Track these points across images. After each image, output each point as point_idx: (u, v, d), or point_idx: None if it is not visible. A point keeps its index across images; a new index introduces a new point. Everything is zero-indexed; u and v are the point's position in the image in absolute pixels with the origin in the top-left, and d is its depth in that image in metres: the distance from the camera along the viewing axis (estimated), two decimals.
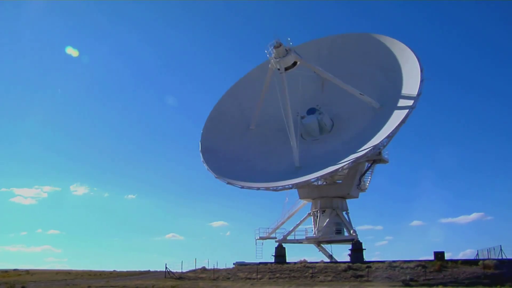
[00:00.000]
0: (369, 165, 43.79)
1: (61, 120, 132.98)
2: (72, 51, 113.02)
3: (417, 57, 39.03)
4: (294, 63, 40.79)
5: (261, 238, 45.72)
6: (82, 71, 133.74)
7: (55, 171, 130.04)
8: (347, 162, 36.74)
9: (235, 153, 44.89)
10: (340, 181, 44.63)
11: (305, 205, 47.56)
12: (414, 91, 37.09)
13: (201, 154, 44.73)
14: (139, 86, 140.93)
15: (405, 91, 38.35)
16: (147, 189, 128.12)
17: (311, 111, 44.65)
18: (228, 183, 40.66)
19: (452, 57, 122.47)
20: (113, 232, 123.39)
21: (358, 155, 36.48)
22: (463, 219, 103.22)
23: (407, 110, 36.44)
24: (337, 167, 36.82)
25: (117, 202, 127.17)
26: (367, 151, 36.36)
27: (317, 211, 43.94)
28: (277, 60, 40.06)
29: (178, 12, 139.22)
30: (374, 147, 36.73)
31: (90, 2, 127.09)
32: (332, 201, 43.53)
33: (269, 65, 41.14)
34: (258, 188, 39.99)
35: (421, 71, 37.66)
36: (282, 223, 46.67)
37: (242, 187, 40.27)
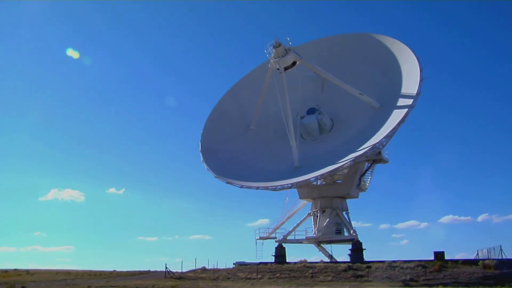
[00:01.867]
0: (369, 165, 43.77)
1: (61, 120, 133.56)
2: (72, 53, 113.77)
3: (416, 57, 38.96)
4: (294, 63, 40.83)
5: (261, 238, 45.71)
6: (83, 73, 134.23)
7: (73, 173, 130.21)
8: (345, 162, 36.71)
9: (235, 153, 44.92)
10: (340, 181, 44.61)
11: (305, 205, 47.54)
12: (413, 91, 36.99)
13: (201, 154, 44.82)
14: (137, 88, 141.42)
15: (404, 90, 38.25)
16: (152, 189, 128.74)
17: (311, 111, 44.67)
18: (228, 182, 40.65)
19: (452, 55, 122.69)
20: (120, 232, 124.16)
21: (357, 155, 36.45)
22: (463, 218, 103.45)
23: (407, 110, 36.33)
24: (336, 167, 36.76)
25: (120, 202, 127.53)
26: (365, 151, 36.32)
27: (317, 211, 43.94)
28: (277, 60, 40.07)
29: (177, 13, 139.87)
30: (373, 146, 36.70)
31: (89, 3, 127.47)
32: (332, 201, 43.52)
33: (269, 65, 41.15)
34: (258, 188, 39.94)
35: (421, 71, 37.54)
36: (282, 223, 46.75)
37: (242, 187, 40.23)
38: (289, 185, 38.76)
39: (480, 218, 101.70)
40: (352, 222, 43.68)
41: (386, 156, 43.41)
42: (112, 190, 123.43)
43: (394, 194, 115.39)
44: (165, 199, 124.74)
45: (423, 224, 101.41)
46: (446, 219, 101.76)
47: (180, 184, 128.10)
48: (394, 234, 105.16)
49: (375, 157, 42.57)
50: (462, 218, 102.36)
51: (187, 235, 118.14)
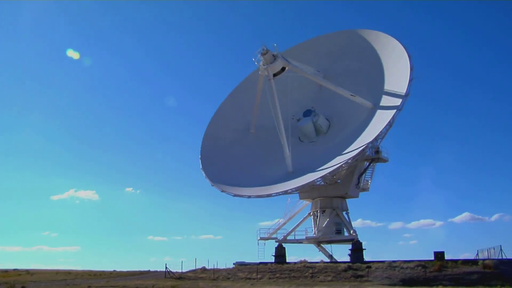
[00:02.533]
0: (367, 164, 43.61)
1: (63, 120, 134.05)
2: (73, 54, 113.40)
3: (409, 55, 38.56)
4: (283, 69, 40.81)
5: (262, 238, 45.64)
6: (84, 73, 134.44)
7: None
8: (339, 164, 36.65)
9: (235, 157, 45.18)
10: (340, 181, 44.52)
11: (307, 205, 47.39)
12: (403, 90, 36.91)
13: (200, 161, 45.21)
14: (143, 89, 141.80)
15: (399, 89, 37.97)
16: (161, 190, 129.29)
17: (307, 113, 44.63)
18: (223, 191, 41.21)
19: (453, 55, 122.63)
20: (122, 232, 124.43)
21: (348, 157, 36.48)
22: (462, 218, 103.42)
23: (400, 109, 36.38)
24: (329, 170, 36.69)
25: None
26: (359, 151, 36.29)
27: (317, 211, 43.90)
28: (265, 67, 40.03)
29: (178, 14, 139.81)
30: (365, 146, 36.67)
31: (91, 3, 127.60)
32: (332, 201, 43.47)
33: (259, 72, 41.08)
34: (249, 197, 40.13)
35: (411, 69, 37.35)
36: (284, 224, 46.52)
37: (235, 195, 40.70)
38: (281, 193, 39.01)
39: (480, 217, 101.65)
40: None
41: (385, 155, 43.27)
42: (129, 190, 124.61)
43: (400, 194, 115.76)
44: (180, 199, 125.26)
45: (427, 223, 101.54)
46: (459, 218, 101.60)
47: (193, 184, 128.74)
48: (405, 233, 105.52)
49: (374, 156, 42.54)
50: (479, 217, 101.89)
51: (197, 234, 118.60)
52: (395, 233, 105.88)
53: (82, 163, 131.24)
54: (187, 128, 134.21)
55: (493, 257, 36.81)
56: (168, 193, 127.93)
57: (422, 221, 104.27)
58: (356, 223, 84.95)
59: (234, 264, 45.22)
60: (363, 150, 36.79)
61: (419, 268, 32.96)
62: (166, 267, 43.31)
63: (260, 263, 42.02)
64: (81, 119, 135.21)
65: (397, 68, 39.28)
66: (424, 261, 34.90)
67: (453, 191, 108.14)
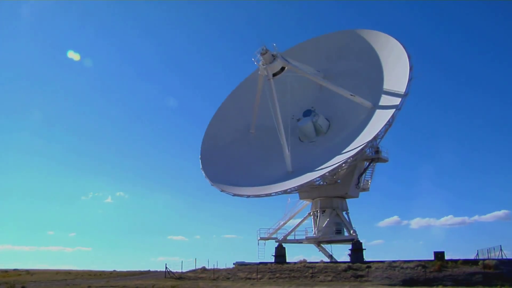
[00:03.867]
0: (367, 164, 43.59)
1: (64, 119, 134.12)
2: (73, 55, 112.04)
3: (408, 55, 38.46)
4: (283, 69, 40.83)
5: (262, 238, 45.62)
6: (86, 73, 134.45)
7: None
8: (338, 163, 36.67)
9: (235, 157, 45.19)
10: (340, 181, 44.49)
11: (307, 205, 47.39)
12: (403, 89, 36.87)
13: (200, 161, 45.20)
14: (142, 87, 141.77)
15: (398, 89, 37.93)
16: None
17: (307, 113, 44.63)
18: (222, 190, 41.23)
19: (453, 55, 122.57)
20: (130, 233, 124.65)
21: (346, 156, 36.52)
22: (463, 218, 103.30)
23: (399, 108, 36.42)
24: (328, 169, 36.67)
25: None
26: (358, 150, 36.32)
27: (317, 211, 43.89)
28: (264, 67, 40.05)
29: (177, 14, 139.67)
30: (365, 145, 36.67)
31: (90, 2, 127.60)
32: (332, 201, 43.46)
33: (259, 72, 41.11)
34: (248, 196, 40.14)
35: (410, 69, 37.32)
36: (284, 224, 46.56)
37: (234, 195, 40.71)
38: (280, 192, 39.00)
39: (480, 217, 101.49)
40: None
41: (385, 155, 43.24)
42: (158, 192, 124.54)
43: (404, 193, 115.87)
44: (207, 201, 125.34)
45: (458, 221, 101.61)
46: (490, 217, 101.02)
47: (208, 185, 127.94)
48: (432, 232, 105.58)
49: (374, 156, 42.50)
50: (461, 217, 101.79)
51: (219, 234, 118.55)
52: (420, 231, 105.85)
53: (102, 164, 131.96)
54: (187, 128, 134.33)
55: (493, 257, 36.81)
56: (192, 195, 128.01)
57: (456, 219, 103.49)
58: (391, 220, 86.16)
59: (234, 264, 45.21)
60: (362, 149, 36.77)
61: (419, 268, 32.94)
62: (166, 267, 43.37)
63: (260, 263, 42.02)
64: (85, 119, 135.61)
65: (396, 67, 39.26)
66: (424, 261, 34.87)
67: (451, 191, 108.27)
